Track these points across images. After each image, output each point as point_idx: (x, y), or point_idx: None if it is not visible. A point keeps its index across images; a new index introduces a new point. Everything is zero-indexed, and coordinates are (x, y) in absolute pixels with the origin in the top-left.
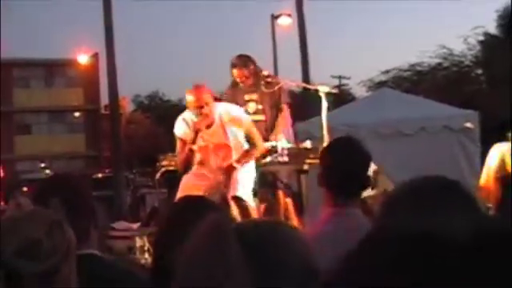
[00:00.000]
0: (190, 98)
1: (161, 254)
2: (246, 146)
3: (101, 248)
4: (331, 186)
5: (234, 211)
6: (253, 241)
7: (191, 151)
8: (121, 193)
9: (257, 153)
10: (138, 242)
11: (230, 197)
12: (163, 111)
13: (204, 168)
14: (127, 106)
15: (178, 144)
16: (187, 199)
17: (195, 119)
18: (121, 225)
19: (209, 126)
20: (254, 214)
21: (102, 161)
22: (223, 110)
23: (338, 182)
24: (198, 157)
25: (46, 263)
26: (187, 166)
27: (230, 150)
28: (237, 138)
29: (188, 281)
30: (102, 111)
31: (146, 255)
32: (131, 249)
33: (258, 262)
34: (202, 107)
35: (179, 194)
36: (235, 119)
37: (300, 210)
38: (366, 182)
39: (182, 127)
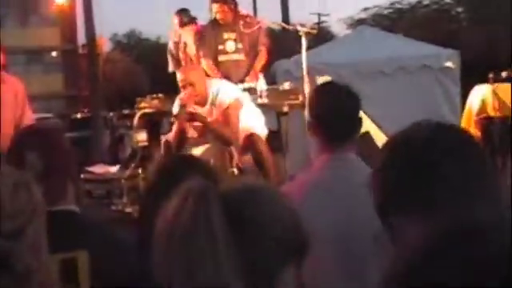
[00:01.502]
0: (178, 76)
1: (147, 211)
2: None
3: (79, 193)
4: (324, 134)
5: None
6: (236, 205)
7: (180, 126)
8: (99, 133)
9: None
10: (117, 186)
11: (244, 137)
12: (142, 50)
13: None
14: (105, 46)
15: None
16: (177, 157)
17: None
18: (99, 168)
19: (201, 104)
20: (263, 148)
21: (81, 100)
22: (218, 92)
23: (330, 128)
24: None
25: (8, 224)
26: (180, 142)
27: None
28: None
29: (169, 242)
30: (80, 51)
31: (125, 199)
32: (110, 192)
33: (241, 225)
34: (184, 87)
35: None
36: (230, 107)
37: (280, 151)
38: (359, 125)
39: (176, 106)
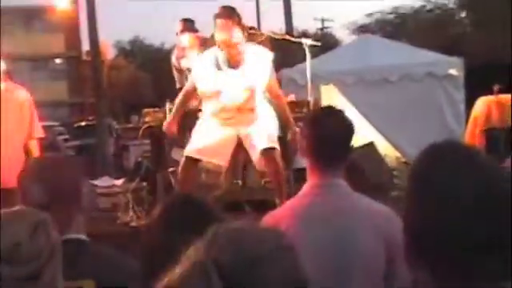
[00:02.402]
0: (222, 36)
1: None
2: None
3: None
4: (312, 158)
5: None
6: (235, 278)
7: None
8: (104, 141)
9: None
10: (123, 199)
11: (259, 152)
12: (146, 56)
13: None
14: (109, 52)
15: (189, 87)
16: (183, 205)
17: (222, 60)
18: (104, 181)
19: (234, 66)
20: (280, 164)
21: (86, 108)
22: (255, 54)
23: (319, 155)
24: (210, 106)
25: (27, 267)
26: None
27: (253, 92)
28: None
29: None
30: (84, 57)
31: (131, 212)
32: (115, 206)
33: None
34: (234, 46)
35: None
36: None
37: (287, 163)
38: (348, 152)
39: (202, 73)
